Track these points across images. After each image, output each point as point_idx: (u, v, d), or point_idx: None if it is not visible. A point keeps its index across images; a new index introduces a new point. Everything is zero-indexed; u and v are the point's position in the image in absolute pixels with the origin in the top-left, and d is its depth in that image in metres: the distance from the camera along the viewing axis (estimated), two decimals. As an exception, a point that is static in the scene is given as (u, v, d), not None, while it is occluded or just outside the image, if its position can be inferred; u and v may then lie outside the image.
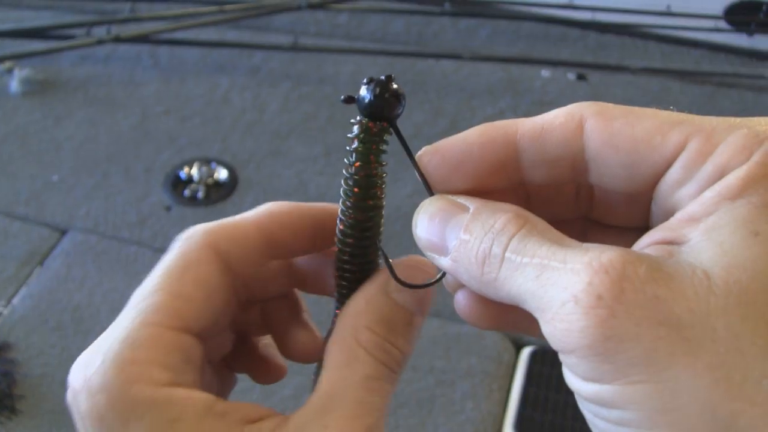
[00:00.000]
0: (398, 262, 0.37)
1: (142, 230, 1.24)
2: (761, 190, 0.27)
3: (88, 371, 0.32)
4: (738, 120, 0.30)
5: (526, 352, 1.05)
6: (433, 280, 0.37)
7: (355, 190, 0.36)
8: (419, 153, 0.35)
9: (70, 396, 0.33)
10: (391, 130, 0.35)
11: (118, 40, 1.51)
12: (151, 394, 0.31)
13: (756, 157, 0.28)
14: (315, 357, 0.40)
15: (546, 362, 1.03)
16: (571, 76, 1.57)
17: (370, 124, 0.35)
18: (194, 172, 1.34)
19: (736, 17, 1.61)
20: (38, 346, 1.06)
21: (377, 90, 0.34)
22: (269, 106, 1.49)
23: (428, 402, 1.00)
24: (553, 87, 1.55)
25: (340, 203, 0.36)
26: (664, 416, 0.26)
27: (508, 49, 1.65)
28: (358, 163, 0.35)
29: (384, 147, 0.35)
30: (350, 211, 0.36)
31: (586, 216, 0.38)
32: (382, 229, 0.37)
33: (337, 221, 0.37)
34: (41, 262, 1.19)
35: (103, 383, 0.32)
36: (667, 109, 0.32)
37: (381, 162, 0.35)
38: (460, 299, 0.36)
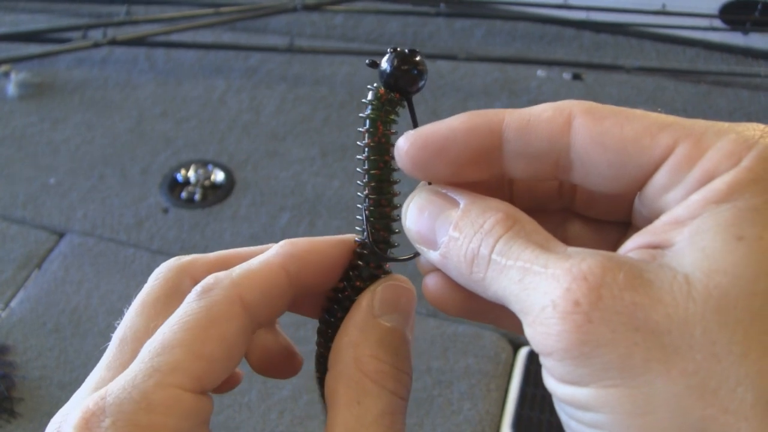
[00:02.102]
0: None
1: (140, 232, 1.24)
2: (747, 194, 0.27)
3: (93, 429, 0.29)
4: (727, 125, 0.29)
5: (523, 352, 1.05)
6: (409, 255, 0.36)
7: (365, 157, 0.35)
8: (399, 140, 0.34)
9: None
10: (404, 103, 0.35)
11: (114, 43, 1.51)
12: None
13: (744, 163, 0.28)
14: (291, 371, 0.40)
15: (543, 361, 1.03)
16: (566, 75, 1.57)
17: (381, 91, 0.35)
18: (191, 174, 1.34)
19: (731, 16, 1.61)
20: (36, 348, 1.07)
21: (396, 61, 0.34)
22: (265, 108, 1.49)
23: (426, 402, 1.00)
24: (549, 87, 1.55)
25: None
26: (637, 420, 0.26)
27: (504, 50, 1.65)
28: (366, 130, 0.35)
29: (393, 117, 0.35)
30: (364, 179, 0.36)
31: (568, 208, 0.38)
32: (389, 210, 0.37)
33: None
34: (39, 265, 1.19)
35: None
36: (658, 110, 0.31)
37: (390, 131, 0.35)
38: (430, 283, 0.36)
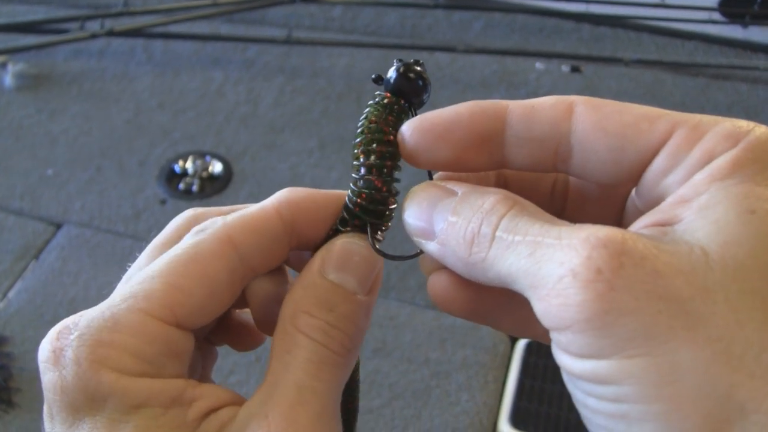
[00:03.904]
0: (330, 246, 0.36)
1: (137, 224, 1.24)
2: (750, 171, 0.28)
3: (61, 341, 0.31)
4: (722, 117, 0.30)
5: (521, 344, 1.05)
6: (413, 253, 0.36)
7: (358, 153, 0.35)
8: (402, 127, 0.34)
9: (40, 359, 0.32)
10: (406, 108, 0.36)
11: (111, 34, 1.51)
12: (115, 380, 0.31)
13: (743, 144, 0.28)
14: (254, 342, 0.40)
15: (541, 353, 1.03)
16: (565, 68, 1.57)
17: (387, 94, 0.35)
18: (189, 165, 1.34)
19: (730, 9, 1.61)
20: (34, 339, 1.06)
21: (402, 69, 0.35)
22: (263, 100, 1.49)
23: (423, 394, 1.00)
24: (548, 79, 1.55)
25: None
26: (663, 389, 0.26)
27: (502, 42, 1.65)
28: (363, 123, 0.35)
29: (395, 119, 0.35)
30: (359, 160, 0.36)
31: (558, 214, 0.38)
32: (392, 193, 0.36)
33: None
34: (36, 256, 1.19)
35: (72, 358, 0.31)
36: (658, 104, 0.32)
37: (390, 125, 0.35)
38: (435, 282, 0.36)
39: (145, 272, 0.33)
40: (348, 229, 0.36)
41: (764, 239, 0.26)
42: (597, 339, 0.26)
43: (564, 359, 0.28)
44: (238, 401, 0.33)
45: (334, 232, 0.36)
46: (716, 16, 1.60)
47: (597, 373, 0.27)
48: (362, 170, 0.35)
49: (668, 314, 0.26)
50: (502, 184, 0.37)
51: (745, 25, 1.61)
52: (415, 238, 0.34)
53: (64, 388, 0.31)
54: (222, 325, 0.41)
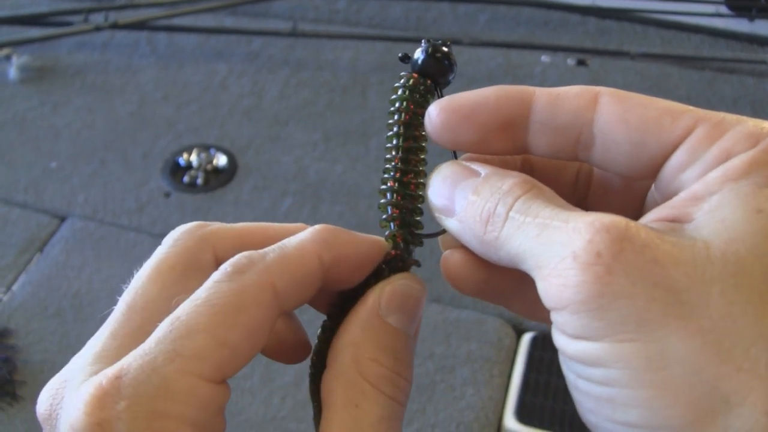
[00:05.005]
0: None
1: (141, 217, 1.24)
2: (765, 172, 0.28)
3: (107, 412, 0.28)
4: (745, 117, 0.30)
5: (526, 338, 1.05)
6: (437, 231, 0.36)
7: (395, 132, 0.36)
8: (430, 106, 0.35)
9: (73, 418, 0.28)
10: (434, 88, 0.37)
11: (115, 26, 1.50)
12: None
13: (762, 145, 0.29)
14: (298, 357, 0.38)
15: (547, 348, 1.03)
16: (571, 61, 1.56)
17: (415, 75, 0.37)
18: (193, 158, 1.33)
19: (736, 2, 1.60)
20: (38, 332, 1.06)
21: (431, 50, 0.37)
22: (268, 92, 1.48)
23: (428, 388, 1.00)
24: (553, 72, 1.54)
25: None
26: (651, 375, 0.26)
27: (508, 35, 1.64)
28: (397, 109, 0.36)
29: (424, 101, 0.36)
30: (392, 155, 0.37)
31: (580, 203, 0.39)
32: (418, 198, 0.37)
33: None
34: (40, 249, 1.19)
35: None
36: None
37: (420, 110, 0.36)
38: (449, 258, 0.36)
39: (186, 323, 0.30)
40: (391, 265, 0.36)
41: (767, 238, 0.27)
42: (591, 320, 0.27)
43: (560, 339, 0.29)
44: None
45: (375, 273, 0.36)
46: (723, 9, 1.60)
47: (588, 355, 0.28)
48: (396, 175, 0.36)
49: (662, 302, 0.26)
50: (527, 169, 0.38)
51: (751, 18, 1.61)
52: (436, 214, 0.34)
53: None
54: None
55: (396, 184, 0.36)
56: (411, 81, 0.37)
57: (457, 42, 1.53)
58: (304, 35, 1.53)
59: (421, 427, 0.96)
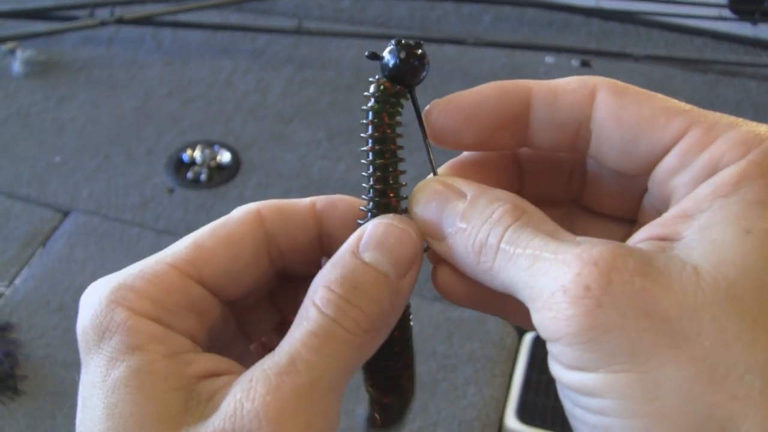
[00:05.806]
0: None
1: (145, 212, 1.24)
2: (755, 187, 0.28)
3: (90, 289, 0.34)
4: (741, 120, 0.30)
5: (528, 338, 1.05)
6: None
7: (369, 148, 0.35)
8: (428, 107, 0.35)
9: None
10: (407, 93, 0.35)
11: (121, 21, 1.50)
12: (125, 318, 0.32)
13: (752, 156, 0.28)
14: None
15: (548, 348, 1.03)
16: (574, 62, 1.57)
17: (387, 84, 0.34)
18: (197, 154, 1.33)
19: (740, 6, 1.61)
20: (40, 326, 1.06)
21: (403, 54, 0.34)
22: (272, 90, 1.49)
23: (430, 387, 1.00)
24: (557, 73, 1.53)
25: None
26: (645, 405, 0.26)
27: (512, 35, 1.64)
28: (370, 122, 0.35)
29: (399, 109, 0.35)
30: (369, 171, 0.35)
31: (575, 200, 0.39)
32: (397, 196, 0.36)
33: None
34: (43, 243, 1.19)
35: (95, 300, 0.33)
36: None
37: (395, 123, 0.35)
38: (438, 273, 0.36)
39: (181, 240, 0.36)
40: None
41: (758, 260, 0.26)
42: (584, 352, 0.27)
43: (556, 369, 0.29)
44: (233, 370, 0.33)
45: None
46: (726, 13, 1.60)
47: (584, 385, 0.28)
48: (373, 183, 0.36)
49: (654, 332, 0.26)
50: (517, 172, 0.38)
51: (754, 22, 1.61)
52: (426, 237, 0.34)
53: (83, 327, 0.33)
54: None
55: (375, 205, 0.35)
56: (382, 88, 0.34)
57: (461, 42, 1.53)
58: (309, 33, 1.53)
59: (423, 425, 0.96)
